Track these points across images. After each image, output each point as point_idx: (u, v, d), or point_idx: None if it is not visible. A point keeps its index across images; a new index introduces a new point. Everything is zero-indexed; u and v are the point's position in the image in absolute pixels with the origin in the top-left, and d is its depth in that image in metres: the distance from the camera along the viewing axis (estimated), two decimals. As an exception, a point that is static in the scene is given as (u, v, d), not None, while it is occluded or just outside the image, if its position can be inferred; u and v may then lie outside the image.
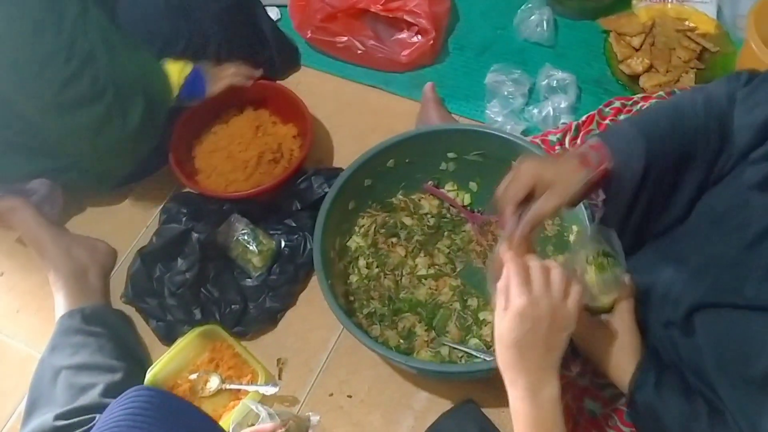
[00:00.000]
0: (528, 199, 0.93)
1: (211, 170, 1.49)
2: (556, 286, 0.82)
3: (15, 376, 1.39)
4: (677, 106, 0.99)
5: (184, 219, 1.38)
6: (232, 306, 1.35)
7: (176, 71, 1.38)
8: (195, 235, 1.34)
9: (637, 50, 1.65)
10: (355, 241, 1.35)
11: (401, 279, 1.34)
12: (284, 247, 1.43)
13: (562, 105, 1.62)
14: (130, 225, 1.56)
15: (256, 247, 1.39)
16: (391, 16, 1.68)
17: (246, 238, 1.40)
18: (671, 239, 1.03)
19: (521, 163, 0.94)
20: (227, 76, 1.47)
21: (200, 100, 1.44)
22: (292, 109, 1.54)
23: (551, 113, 1.62)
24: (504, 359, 0.82)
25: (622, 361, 0.96)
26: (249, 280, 1.41)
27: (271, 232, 1.45)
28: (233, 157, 1.49)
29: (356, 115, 1.68)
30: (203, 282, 1.36)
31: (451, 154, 1.34)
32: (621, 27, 1.68)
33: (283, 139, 1.53)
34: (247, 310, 1.37)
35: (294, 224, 1.44)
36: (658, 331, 0.98)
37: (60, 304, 1.37)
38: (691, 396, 0.89)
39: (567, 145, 1.38)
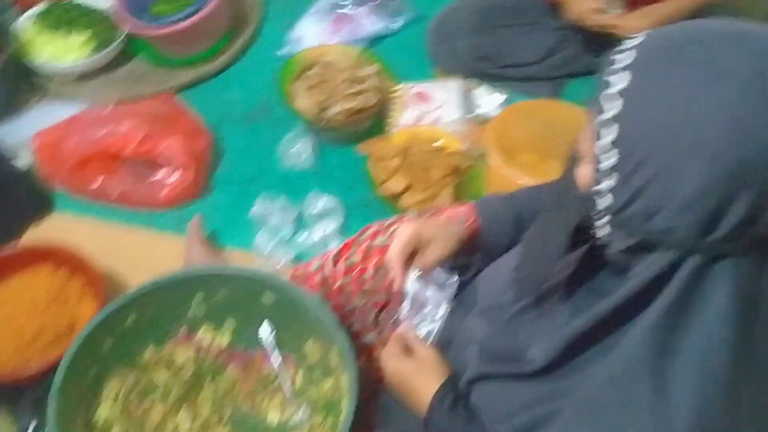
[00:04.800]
0: (413, 256, 1.05)
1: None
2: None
3: None
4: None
5: None
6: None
7: None
8: None
9: (395, 171, 1.73)
10: (102, 414, 1.23)
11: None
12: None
13: (330, 230, 1.65)
14: None
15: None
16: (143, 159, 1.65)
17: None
18: None
19: (402, 227, 1.07)
20: None
21: None
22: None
23: (320, 239, 1.64)
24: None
25: (426, 385, 0.98)
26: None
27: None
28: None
29: (115, 258, 1.58)
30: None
31: (197, 298, 1.28)
32: (378, 151, 1.76)
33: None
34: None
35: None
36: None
37: None
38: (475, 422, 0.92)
39: (326, 273, 1.38)
